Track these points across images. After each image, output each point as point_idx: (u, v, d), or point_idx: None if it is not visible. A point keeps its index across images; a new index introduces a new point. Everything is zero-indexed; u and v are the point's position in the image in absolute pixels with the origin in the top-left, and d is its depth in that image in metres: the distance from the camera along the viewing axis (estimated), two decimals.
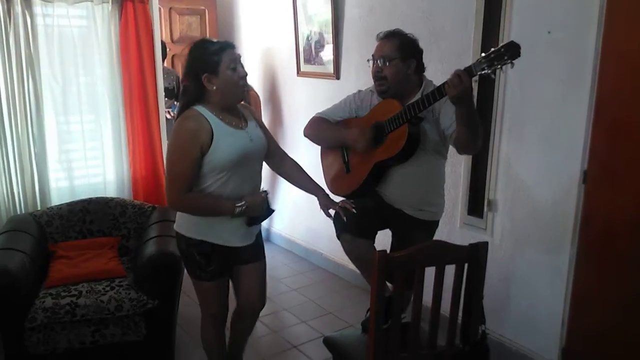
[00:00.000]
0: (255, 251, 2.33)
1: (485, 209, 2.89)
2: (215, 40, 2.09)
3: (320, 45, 3.89)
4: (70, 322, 2.58)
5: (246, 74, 2.10)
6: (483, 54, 1.91)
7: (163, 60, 4.13)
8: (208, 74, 2.02)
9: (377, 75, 2.28)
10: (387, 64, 2.23)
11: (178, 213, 2.23)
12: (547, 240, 2.63)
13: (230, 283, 2.36)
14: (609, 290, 2.40)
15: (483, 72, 1.91)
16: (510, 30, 2.62)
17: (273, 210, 2.25)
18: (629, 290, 2.32)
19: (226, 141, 2.06)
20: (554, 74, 2.49)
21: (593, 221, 2.43)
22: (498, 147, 2.78)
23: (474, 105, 2.06)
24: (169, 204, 2.16)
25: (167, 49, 4.40)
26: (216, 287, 2.27)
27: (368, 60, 2.33)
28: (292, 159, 2.43)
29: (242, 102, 2.26)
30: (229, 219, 2.14)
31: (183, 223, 2.20)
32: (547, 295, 2.65)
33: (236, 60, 2.06)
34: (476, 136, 2.10)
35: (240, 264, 2.30)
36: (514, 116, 2.70)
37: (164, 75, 3.71)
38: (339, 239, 2.31)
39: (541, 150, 2.61)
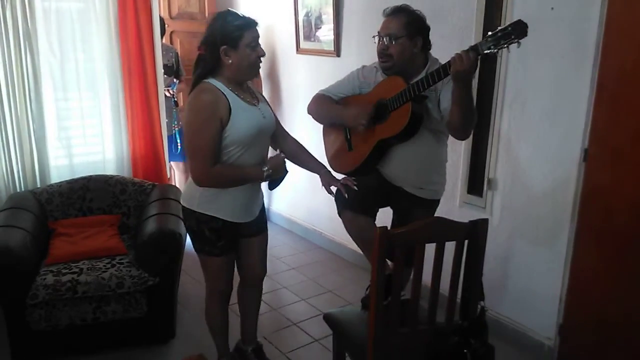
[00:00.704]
0: (259, 224, 2.37)
1: (485, 187, 2.89)
2: (240, 14, 2.07)
3: (320, 21, 3.85)
4: (71, 299, 2.60)
5: (264, 54, 2.10)
6: (490, 32, 1.89)
7: (161, 37, 4.08)
8: (227, 47, 2.01)
9: (383, 53, 2.25)
10: (394, 42, 2.20)
11: (186, 189, 2.24)
12: (547, 219, 2.64)
13: None
14: (607, 267, 2.41)
15: (489, 50, 1.89)
16: (514, 6, 2.59)
17: (287, 172, 2.26)
18: (627, 267, 2.34)
19: (243, 116, 2.06)
20: (556, 51, 2.47)
21: (593, 199, 2.43)
22: (499, 125, 2.77)
23: (471, 89, 2.04)
24: (196, 181, 2.11)
25: (166, 26, 4.35)
26: (225, 262, 2.28)
27: (373, 37, 2.30)
28: (293, 138, 2.43)
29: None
30: (239, 194, 2.16)
31: (193, 199, 2.18)
32: (545, 274, 2.67)
33: (257, 39, 2.06)
34: (468, 120, 2.09)
35: (245, 237, 2.34)
36: (515, 94, 2.68)
37: (162, 52, 3.67)
38: (340, 216, 2.31)
39: (542, 128, 2.60)
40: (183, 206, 2.25)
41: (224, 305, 2.43)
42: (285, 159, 2.24)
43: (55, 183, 3.24)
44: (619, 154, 2.32)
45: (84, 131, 3.48)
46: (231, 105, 2.03)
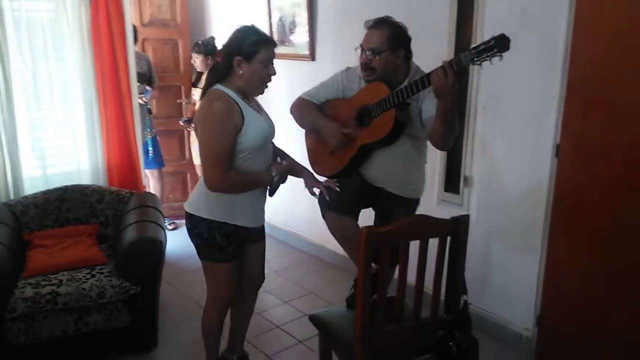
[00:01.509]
0: (261, 231, 2.44)
1: (462, 185, 2.96)
2: (262, 32, 2.15)
3: (294, 25, 3.88)
4: (52, 311, 2.56)
5: (275, 73, 2.17)
6: (472, 46, 1.92)
7: (134, 44, 4.06)
8: (241, 59, 2.08)
9: (366, 67, 2.27)
10: (377, 56, 2.23)
11: (196, 196, 2.24)
12: (522, 214, 2.72)
13: None
14: (582, 259, 2.50)
15: (472, 63, 1.92)
16: (485, 10, 2.67)
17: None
18: (600, 259, 2.43)
19: (254, 123, 2.13)
20: (527, 53, 2.55)
21: (565, 193, 2.52)
22: (474, 124, 2.85)
23: (455, 102, 2.05)
24: (211, 187, 2.12)
25: (138, 33, 4.31)
26: (232, 268, 2.29)
27: (356, 49, 2.31)
28: (275, 145, 2.46)
29: None
30: (249, 200, 2.21)
31: (203, 206, 2.20)
32: (522, 266, 2.75)
33: (271, 58, 2.13)
34: (450, 135, 2.14)
35: (250, 243, 2.37)
36: (489, 94, 2.76)
37: (135, 60, 3.65)
38: (323, 217, 2.34)
39: (515, 127, 2.68)
40: (191, 214, 2.23)
41: (223, 315, 2.41)
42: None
43: (30, 194, 3.18)
44: (590, 149, 2.41)
45: (58, 141, 3.43)
46: (243, 112, 2.09)
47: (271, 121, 2.30)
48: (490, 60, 1.90)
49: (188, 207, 2.26)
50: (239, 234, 2.24)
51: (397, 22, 2.29)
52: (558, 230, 2.57)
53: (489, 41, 1.88)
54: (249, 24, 2.17)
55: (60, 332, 2.59)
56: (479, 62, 1.91)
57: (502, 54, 1.87)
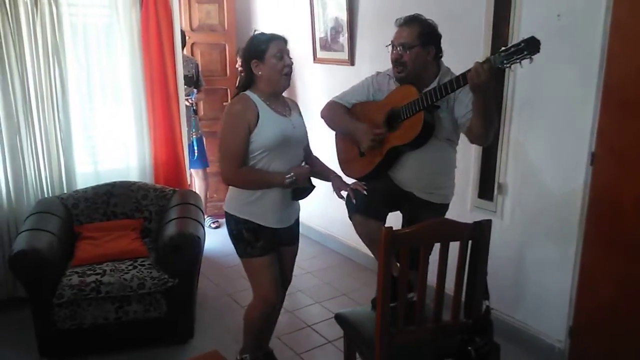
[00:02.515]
0: (293, 235, 2.51)
1: (496, 192, 2.93)
2: (269, 32, 2.29)
3: (335, 31, 3.95)
4: (95, 299, 2.72)
5: (291, 63, 2.26)
6: (503, 48, 1.93)
7: (182, 48, 4.23)
8: (256, 60, 2.22)
9: (397, 62, 2.30)
10: (407, 51, 2.26)
11: (228, 194, 2.39)
12: (556, 222, 2.68)
13: None
14: (616, 269, 2.43)
15: (502, 65, 1.93)
16: (521, 14, 2.65)
17: (314, 187, 2.38)
18: (635, 269, 2.36)
19: (270, 123, 2.23)
20: (563, 58, 2.52)
21: (600, 202, 2.46)
22: (508, 130, 2.82)
23: (493, 98, 2.08)
24: (224, 180, 2.33)
25: (187, 37, 4.49)
26: (267, 263, 2.35)
27: (387, 46, 2.36)
28: (314, 155, 2.56)
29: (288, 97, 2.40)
30: (272, 202, 2.29)
31: (232, 203, 2.35)
32: (555, 276, 2.70)
33: (283, 50, 2.24)
34: (490, 128, 2.15)
35: (282, 245, 2.45)
36: (524, 100, 2.73)
37: (183, 63, 3.81)
38: (350, 219, 2.38)
39: (550, 133, 2.64)
40: (225, 212, 2.38)
41: (265, 315, 2.43)
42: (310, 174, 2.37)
43: (81, 189, 3.38)
44: (625, 156, 2.36)
45: (109, 140, 3.63)
46: (260, 112, 2.21)
47: (300, 124, 2.37)
48: (520, 62, 1.90)
49: (225, 205, 2.40)
50: (265, 231, 2.31)
51: (427, 20, 2.32)
52: (592, 240, 2.52)
53: (519, 43, 1.88)
54: (255, 32, 2.32)
55: (102, 320, 2.76)
56: (508, 65, 1.92)
57: (533, 57, 1.87)
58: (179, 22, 3.76)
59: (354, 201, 2.30)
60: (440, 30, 2.37)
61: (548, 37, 2.48)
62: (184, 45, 4.24)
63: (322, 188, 4.37)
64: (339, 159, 2.63)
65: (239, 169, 2.23)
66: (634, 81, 2.29)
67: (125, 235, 3.14)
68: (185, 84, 3.96)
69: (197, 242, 2.87)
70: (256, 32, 2.31)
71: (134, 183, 3.45)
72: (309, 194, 2.38)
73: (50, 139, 3.37)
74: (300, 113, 2.44)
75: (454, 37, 2.97)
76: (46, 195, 3.41)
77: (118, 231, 3.18)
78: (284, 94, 2.39)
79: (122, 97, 3.61)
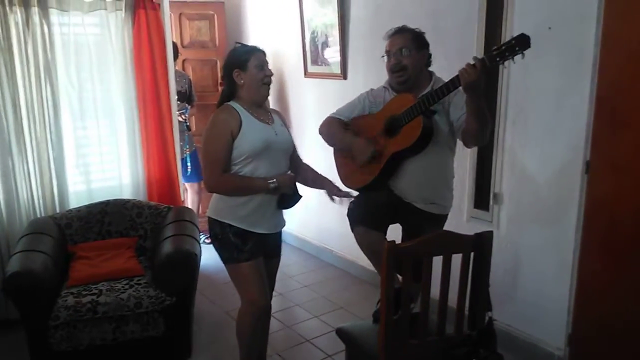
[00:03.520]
0: (277, 247, 2.56)
1: (491, 202, 2.95)
2: (247, 45, 2.42)
3: (327, 46, 3.97)
4: (92, 320, 2.67)
5: (271, 74, 2.36)
6: (495, 47, 2.01)
7: (175, 60, 4.24)
8: (238, 70, 2.31)
9: (397, 67, 2.35)
10: (407, 53, 2.33)
11: (212, 201, 2.42)
12: (552, 231, 2.69)
13: None
14: (614, 277, 2.45)
15: (495, 62, 2.00)
16: (513, 27, 2.69)
17: (301, 196, 2.40)
18: (633, 276, 2.38)
19: (252, 130, 2.29)
20: (555, 68, 2.56)
21: (596, 210, 2.49)
22: (502, 141, 2.85)
23: (485, 96, 2.15)
24: (207, 187, 2.39)
25: (179, 54, 4.49)
26: (254, 267, 2.35)
27: (382, 57, 2.40)
28: (305, 163, 2.59)
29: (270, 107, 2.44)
30: (259, 207, 2.32)
31: (217, 209, 2.37)
32: (553, 284, 2.72)
33: (263, 61, 2.35)
34: (485, 127, 2.20)
35: (266, 257, 2.45)
36: (518, 110, 2.77)
37: (176, 79, 3.80)
38: (352, 231, 2.39)
39: (544, 142, 2.67)
40: (209, 217, 2.41)
41: (257, 320, 2.42)
42: (296, 181, 2.41)
43: (74, 208, 3.35)
44: (620, 164, 2.39)
45: (101, 157, 3.60)
46: (242, 120, 2.28)
47: (283, 132, 2.43)
48: (512, 59, 1.98)
49: (208, 212, 2.43)
50: (251, 235, 2.33)
51: (414, 28, 2.39)
52: (590, 248, 2.54)
53: (509, 41, 1.97)
54: (236, 44, 2.41)
55: (99, 340, 2.71)
56: (502, 62, 2.00)
57: (524, 52, 1.95)
58: (171, 39, 3.76)
59: (348, 205, 2.31)
60: (433, 43, 2.41)
61: (540, 48, 2.54)
62: (176, 58, 4.25)
63: (316, 200, 4.37)
64: (339, 173, 2.63)
65: (221, 175, 2.28)
66: (625, 91, 2.33)
67: (120, 254, 3.11)
68: (178, 100, 3.95)
69: (194, 260, 2.85)
70: (237, 45, 2.40)
71: (128, 201, 3.42)
72: (294, 203, 2.40)
73: (42, 158, 3.33)
74: (283, 122, 2.50)
75: (447, 50, 3.02)
76: (39, 216, 3.37)
77: (113, 250, 3.15)
78: (267, 105, 2.47)
79: (114, 115, 3.59)
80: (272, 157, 2.34)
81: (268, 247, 2.45)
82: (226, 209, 2.34)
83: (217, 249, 2.41)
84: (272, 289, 2.60)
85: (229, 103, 2.34)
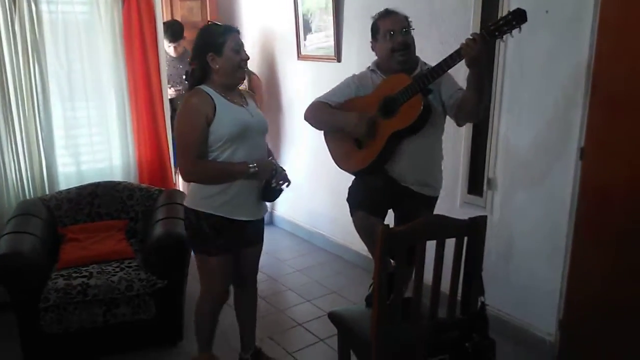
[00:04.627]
0: (259, 233, 2.47)
1: (485, 187, 2.95)
2: (221, 24, 2.25)
3: (320, 27, 3.92)
4: (82, 302, 2.66)
5: (248, 58, 2.26)
6: (491, 22, 2.04)
7: (179, 39, 4.17)
8: (212, 53, 2.17)
9: (404, 45, 2.33)
10: (410, 32, 2.34)
11: (189, 190, 2.34)
12: (545, 216, 2.70)
13: None
14: (606, 263, 2.46)
15: (494, 36, 2.02)
16: (510, 10, 2.64)
17: (290, 182, 2.36)
18: (625, 262, 2.39)
19: (228, 114, 2.20)
20: (552, 53, 2.54)
21: (590, 196, 2.49)
22: (497, 126, 2.83)
23: (487, 70, 2.19)
24: (183, 175, 2.28)
25: (184, 35, 4.37)
26: (223, 263, 2.34)
27: (391, 33, 2.32)
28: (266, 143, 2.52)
29: (246, 88, 2.35)
30: (239, 193, 2.25)
31: (194, 198, 2.30)
32: (546, 270, 2.73)
33: (240, 44, 2.22)
34: (482, 102, 2.22)
35: (244, 247, 2.41)
36: (513, 95, 2.75)
37: (186, 59, 3.74)
38: (352, 216, 2.38)
39: (539, 128, 2.66)
40: (185, 206, 2.34)
41: (216, 308, 2.46)
42: (284, 174, 2.35)
43: (64, 190, 3.31)
44: (614, 151, 2.38)
45: (91, 139, 3.55)
46: (216, 104, 2.18)
47: (258, 113, 2.36)
48: (510, 33, 2.01)
49: (185, 201, 2.36)
50: (227, 228, 2.27)
51: None
52: (582, 233, 2.55)
53: (506, 16, 2.00)
54: (199, 23, 2.25)
55: (90, 323, 2.69)
56: (500, 36, 2.03)
57: (521, 26, 1.98)
58: (162, 18, 3.69)
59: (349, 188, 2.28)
60: (429, 28, 2.41)
61: (537, 32, 2.52)
62: (180, 37, 4.18)
63: (307, 185, 4.36)
64: (333, 156, 2.60)
65: (197, 162, 2.19)
66: (622, 78, 2.32)
67: (111, 237, 3.09)
68: (185, 80, 3.89)
69: (185, 243, 2.82)
70: (210, 24, 2.26)
71: (119, 183, 3.38)
72: (278, 195, 2.36)
73: (31, 139, 3.29)
74: (256, 104, 2.43)
75: (443, 34, 2.99)
76: (28, 197, 3.33)
77: (103, 232, 3.12)
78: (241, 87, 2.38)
79: (104, 95, 3.53)
80: (250, 140, 2.26)
81: (248, 234, 2.38)
82: (203, 198, 2.25)
83: (188, 238, 2.37)
84: (256, 274, 2.57)
85: (200, 87, 2.22)
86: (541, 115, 2.64)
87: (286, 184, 2.36)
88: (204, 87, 2.21)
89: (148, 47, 3.52)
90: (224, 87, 2.24)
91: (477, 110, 2.25)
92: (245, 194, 2.28)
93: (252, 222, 2.36)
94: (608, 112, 2.38)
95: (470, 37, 2.05)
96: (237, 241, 2.36)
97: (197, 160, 2.19)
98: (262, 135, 2.36)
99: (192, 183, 2.32)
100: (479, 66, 2.10)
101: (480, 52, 2.04)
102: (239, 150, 2.22)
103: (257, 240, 2.49)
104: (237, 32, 2.23)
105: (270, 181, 2.30)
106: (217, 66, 2.18)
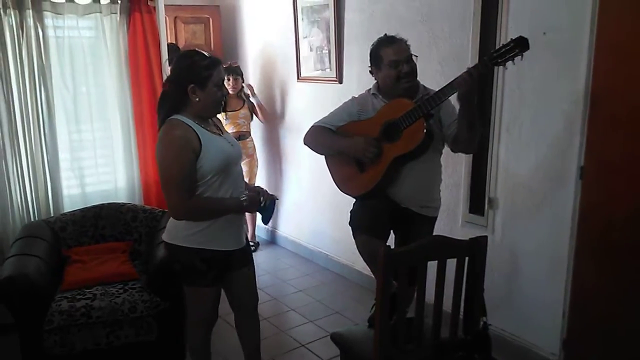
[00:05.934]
0: (245, 256, 2.42)
1: (486, 207, 2.96)
2: (206, 54, 2.14)
3: (321, 50, 3.97)
4: (85, 324, 2.66)
5: (228, 93, 2.21)
6: (494, 49, 2.08)
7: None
8: (195, 86, 2.08)
9: (411, 73, 2.38)
10: (412, 59, 2.38)
11: (170, 225, 2.25)
12: (547, 236, 2.70)
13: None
14: (608, 282, 2.46)
15: (496, 63, 2.06)
16: (507, 32, 2.69)
17: (275, 199, 2.37)
18: (627, 281, 2.39)
19: (213, 146, 2.13)
20: (550, 73, 2.57)
21: (591, 215, 2.50)
22: (497, 145, 2.86)
23: (475, 105, 2.21)
24: (175, 214, 2.16)
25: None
26: (214, 292, 2.33)
27: (396, 63, 2.35)
28: None
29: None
30: (226, 223, 2.21)
31: (179, 234, 2.21)
32: (548, 289, 2.72)
33: (222, 78, 2.17)
34: (475, 134, 2.24)
35: (232, 271, 2.37)
36: (512, 115, 2.78)
37: None
38: (355, 239, 2.39)
39: (539, 147, 2.68)
40: (168, 243, 2.26)
41: (208, 334, 2.47)
42: (272, 196, 2.34)
43: (69, 212, 3.33)
44: (614, 169, 2.40)
45: (96, 161, 3.58)
46: (200, 137, 2.08)
47: (235, 141, 2.32)
48: (512, 60, 2.04)
49: (165, 236, 2.28)
50: (218, 259, 2.24)
51: None
52: (584, 252, 2.55)
53: (508, 43, 2.03)
54: (191, 48, 2.22)
55: (93, 345, 2.69)
56: (502, 63, 2.06)
57: (523, 54, 2.01)
58: (166, 42, 3.75)
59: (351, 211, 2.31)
60: (429, 50, 2.44)
61: (535, 53, 2.54)
62: None
63: (311, 204, 4.37)
64: (335, 180, 2.61)
65: (189, 200, 2.09)
66: (620, 95, 2.34)
67: (115, 258, 3.09)
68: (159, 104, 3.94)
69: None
70: (195, 53, 2.13)
71: (123, 205, 3.40)
72: (273, 209, 2.36)
73: (37, 161, 3.32)
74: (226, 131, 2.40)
75: (442, 56, 3.03)
76: (32, 219, 3.35)
77: (107, 254, 3.13)
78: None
79: (109, 118, 3.58)
80: (232, 170, 2.21)
81: (236, 260, 2.33)
82: (190, 234, 2.17)
83: (177, 271, 2.30)
84: (256, 300, 2.50)
85: (177, 117, 2.09)
86: (541, 135, 2.66)
87: (273, 195, 2.35)
88: (182, 118, 2.10)
89: (153, 70, 3.56)
90: (200, 118, 2.15)
91: (468, 143, 2.30)
92: (229, 222, 2.23)
93: (237, 249, 2.34)
94: (607, 131, 2.40)
95: (466, 73, 2.08)
96: (228, 268, 2.33)
97: (189, 197, 2.09)
98: (239, 164, 2.34)
99: (172, 218, 2.21)
100: (469, 102, 2.14)
101: (472, 89, 2.08)
102: (225, 182, 2.17)
103: (246, 262, 2.41)
104: (221, 63, 2.16)
105: (260, 202, 2.28)
106: (198, 99, 2.09)
